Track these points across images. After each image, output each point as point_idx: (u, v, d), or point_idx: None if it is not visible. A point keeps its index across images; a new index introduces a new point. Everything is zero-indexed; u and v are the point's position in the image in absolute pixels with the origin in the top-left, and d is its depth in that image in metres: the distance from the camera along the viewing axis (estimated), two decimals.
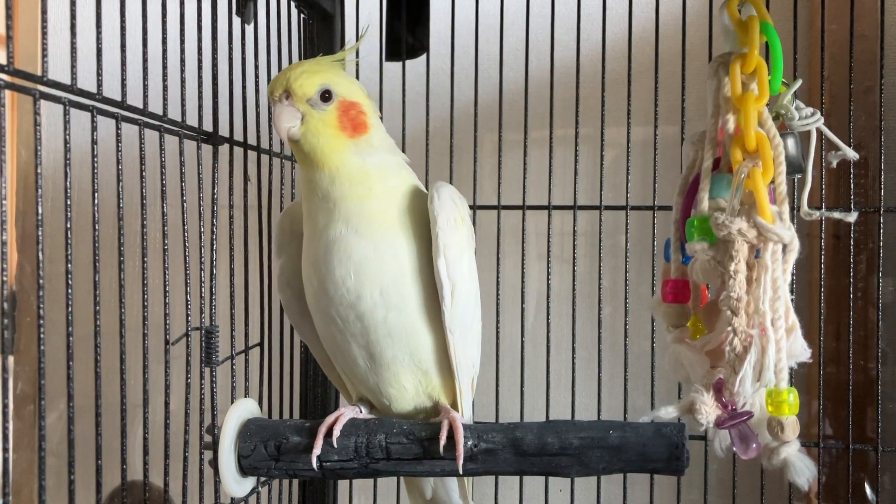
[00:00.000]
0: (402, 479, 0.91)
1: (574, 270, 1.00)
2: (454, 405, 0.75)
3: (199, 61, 0.74)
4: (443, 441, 0.67)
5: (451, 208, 0.70)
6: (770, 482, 0.96)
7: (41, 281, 0.55)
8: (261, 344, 0.89)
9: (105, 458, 0.62)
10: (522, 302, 0.98)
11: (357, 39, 1.02)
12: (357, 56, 1.03)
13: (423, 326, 0.71)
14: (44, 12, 0.59)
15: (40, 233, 0.55)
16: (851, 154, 0.76)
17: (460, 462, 0.67)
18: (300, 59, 0.99)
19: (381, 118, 1.01)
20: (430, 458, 0.68)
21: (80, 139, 0.64)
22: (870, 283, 1.07)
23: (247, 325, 0.83)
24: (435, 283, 0.70)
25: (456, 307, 0.70)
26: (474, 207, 1.00)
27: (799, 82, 0.74)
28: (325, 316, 0.71)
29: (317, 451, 0.68)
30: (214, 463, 0.69)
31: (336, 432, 0.68)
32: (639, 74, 0.98)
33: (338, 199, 0.69)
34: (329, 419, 0.70)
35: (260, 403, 0.80)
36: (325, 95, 0.69)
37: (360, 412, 0.74)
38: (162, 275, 0.71)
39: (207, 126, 0.76)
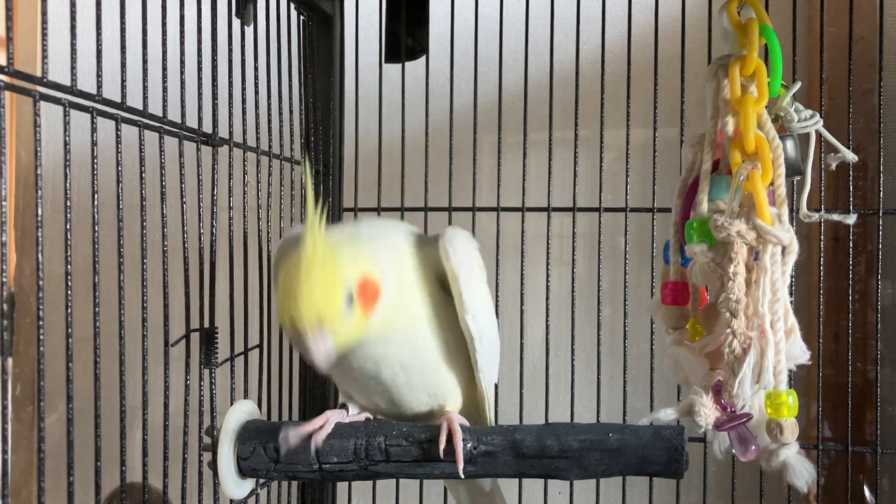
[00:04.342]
0: (400, 479, 0.91)
1: (573, 272, 1.00)
2: (479, 415, 0.76)
3: (199, 63, 0.74)
4: (442, 444, 0.67)
5: (467, 260, 0.68)
6: (769, 484, 0.96)
7: (40, 282, 0.55)
8: (260, 345, 0.89)
9: (104, 459, 0.62)
10: (521, 304, 0.98)
11: (356, 42, 1.02)
12: (356, 58, 1.03)
13: (445, 371, 0.71)
14: (44, 13, 0.59)
15: (40, 234, 0.55)
16: (850, 156, 0.76)
17: (460, 466, 0.67)
18: (300, 60, 0.99)
19: (381, 122, 1.02)
20: (429, 460, 0.68)
21: (79, 140, 0.64)
22: (869, 285, 1.08)
23: (246, 326, 0.83)
24: (455, 325, 0.69)
25: (484, 349, 0.70)
26: (473, 209, 1.00)
27: (798, 84, 0.74)
28: (340, 371, 0.70)
29: (294, 439, 0.67)
30: (213, 465, 0.69)
31: (319, 439, 0.68)
32: (638, 77, 0.98)
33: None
34: (315, 423, 0.69)
35: (259, 405, 0.80)
36: (349, 297, 0.60)
37: (346, 415, 0.73)
38: (161, 276, 0.71)
39: (207, 128, 0.76)
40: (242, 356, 0.83)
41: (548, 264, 0.99)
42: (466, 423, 0.71)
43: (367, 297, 0.61)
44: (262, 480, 0.79)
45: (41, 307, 0.55)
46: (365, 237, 0.66)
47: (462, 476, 0.67)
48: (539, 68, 1.02)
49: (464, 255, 0.68)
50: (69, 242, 0.60)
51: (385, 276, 0.63)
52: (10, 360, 0.52)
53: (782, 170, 0.67)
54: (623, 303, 0.97)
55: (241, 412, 0.72)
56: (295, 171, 0.96)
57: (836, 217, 0.75)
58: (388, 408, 0.72)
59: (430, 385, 0.70)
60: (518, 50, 1.01)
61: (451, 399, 0.72)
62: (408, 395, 0.70)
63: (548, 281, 0.99)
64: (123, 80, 0.66)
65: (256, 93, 0.86)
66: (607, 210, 0.98)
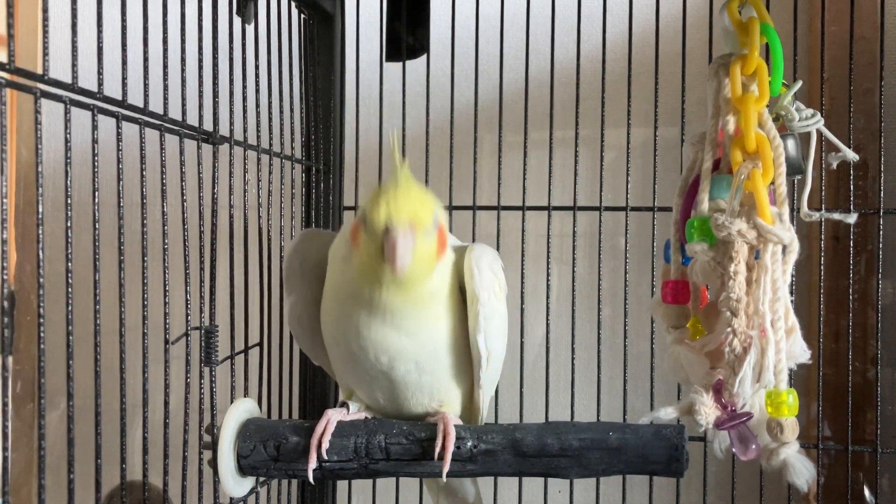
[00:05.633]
0: (400, 478, 0.91)
1: (573, 271, 1.00)
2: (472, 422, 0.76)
3: (200, 61, 0.74)
4: (438, 448, 0.67)
5: (491, 281, 0.70)
6: (769, 483, 0.96)
7: (41, 280, 0.55)
8: (260, 344, 0.89)
9: (104, 457, 0.62)
10: (522, 303, 0.98)
11: (357, 41, 1.02)
12: (357, 57, 1.03)
13: (453, 377, 0.72)
14: (45, 11, 0.59)
15: (40, 232, 0.55)
16: (851, 155, 0.76)
17: (445, 468, 0.67)
18: (301, 59, 0.99)
19: (382, 121, 1.02)
20: (429, 458, 0.68)
21: (80, 138, 0.64)
22: (869, 284, 1.08)
23: (246, 324, 0.83)
24: (467, 338, 0.70)
25: (489, 371, 0.72)
26: (474, 208, 1.00)
27: (799, 84, 0.74)
28: (348, 367, 0.72)
29: (312, 464, 0.68)
30: (213, 463, 0.69)
31: (325, 444, 0.69)
32: (639, 76, 0.98)
33: (389, 309, 0.66)
34: (318, 430, 0.70)
35: (259, 403, 0.80)
36: (435, 222, 0.65)
37: (347, 413, 0.73)
38: (162, 274, 0.71)
39: (208, 126, 0.76)
40: (243, 354, 0.83)
41: (548, 263, 0.99)
42: (460, 422, 0.71)
43: (441, 239, 0.65)
44: (261, 479, 0.79)
45: (42, 305, 0.55)
46: None
47: (443, 479, 0.68)
48: (540, 67, 1.01)
49: (488, 274, 0.70)
50: (70, 240, 0.60)
51: (448, 243, 0.68)
52: (10, 358, 0.52)
53: (783, 169, 0.67)
54: (623, 302, 0.97)
55: (241, 410, 0.72)
56: (296, 169, 0.96)
57: (836, 216, 0.75)
58: (388, 406, 0.72)
59: (436, 389, 0.71)
60: (519, 49, 1.01)
61: (452, 405, 0.73)
62: (412, 396, 0.71)
63: (548, 280, 1.00)
64: (124, 78, 0.66)
65: (257, 91, 0.86)
66: (608, 209, 0.98)
